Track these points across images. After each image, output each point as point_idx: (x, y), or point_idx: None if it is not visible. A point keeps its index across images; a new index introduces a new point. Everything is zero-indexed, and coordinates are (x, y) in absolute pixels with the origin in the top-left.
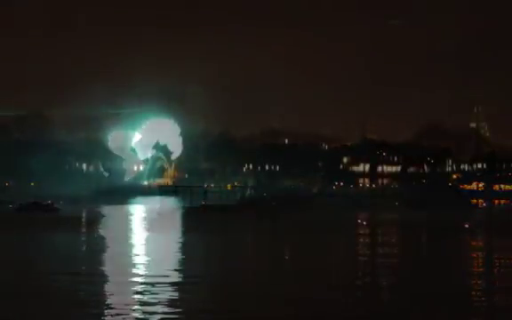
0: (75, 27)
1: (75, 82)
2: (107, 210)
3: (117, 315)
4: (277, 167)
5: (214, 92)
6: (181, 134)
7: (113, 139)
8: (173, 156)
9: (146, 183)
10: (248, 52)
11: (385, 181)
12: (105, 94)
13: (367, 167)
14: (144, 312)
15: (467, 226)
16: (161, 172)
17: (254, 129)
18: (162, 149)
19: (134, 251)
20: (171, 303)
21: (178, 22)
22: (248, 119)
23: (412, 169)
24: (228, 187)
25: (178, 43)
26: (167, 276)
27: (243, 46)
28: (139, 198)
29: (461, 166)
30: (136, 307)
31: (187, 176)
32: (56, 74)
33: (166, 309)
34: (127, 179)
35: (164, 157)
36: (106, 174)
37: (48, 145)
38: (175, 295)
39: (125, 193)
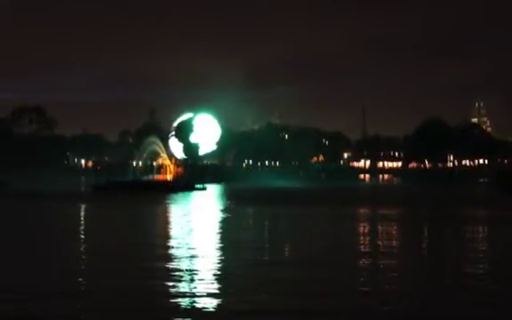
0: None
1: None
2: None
3: None
4: (277, 163)
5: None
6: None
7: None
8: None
9: (144, 179)
10: (249, 48)
11: (385, 177)
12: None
13: (368, 163)
14: None
15: None
16: (160, 167)
17: (255, 124)
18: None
19: None
20: None
21: (177, 20)
22: (249, 115)
23: (413, 164)
24: None
25: (176, 42)
26: None
27: (243, 43)
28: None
29: (463, 161)
30: None
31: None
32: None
33: None
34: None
35: (163, 151)
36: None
37: (47, 139)
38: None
39: (124, 189)
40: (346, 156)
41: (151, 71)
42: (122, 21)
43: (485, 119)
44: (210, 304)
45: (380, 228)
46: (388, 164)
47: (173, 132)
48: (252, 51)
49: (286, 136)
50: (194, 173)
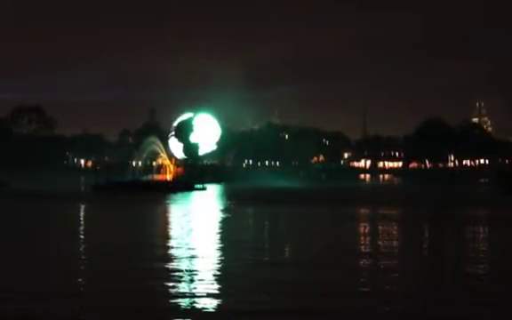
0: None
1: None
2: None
3: None
4: (277, 163)
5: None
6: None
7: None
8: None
9: (144, 179)
10: (249, 48)
11: (386, 177)
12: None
13: (368, 163)
14: None
15: None
16: (159, 167)
17: (255, 124)
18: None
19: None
20: None
21: (177, 20)
22: (249, 115)
23: (413, 164)
24: None
25: (176, 42)
26: None
27: (243, 43)
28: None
29: (464, 161)
30: None
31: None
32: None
33: None
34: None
35: (163, 151)
36: None
37: (46, 139)
38: None
39: (124, 189)
40: (346, 155)
41: (151, 71)
42: (122, 21)
43: (486, 119)
44: (210, 304)
45: (380, 228)
46: (389, 164)
47: (173, 132)
48: (251, 51)
49: (286, 136)
50: (194, 173)
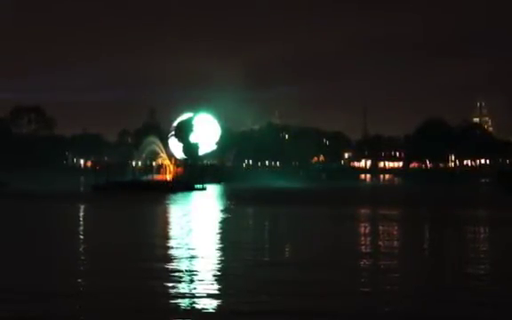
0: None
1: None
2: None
3: None
4: (278, 163)
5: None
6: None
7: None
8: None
9: (144, 179)
10: (249, 48)
11: (386, 177)
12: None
13: (368, 163)
14: None
15: None
16: (159, 167)
17: (255, 124)
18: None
19: None
20: None
21: (177, 20)
22: (249, 115)
23: (414, 164)
24: None
25: (176, 42)
26: None
27: (243, 43)
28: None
29: (464, 161)
30: None
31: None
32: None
33: None
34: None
35: (162, 151)
36: None
37: (46, 139)
38: None
39: (124, 189)
40: (346, 155)
41: (151, 71)
42: (122, 21)
43: (487, 119)
44: (210, 305)
45: (380, 228)
46: (389, 164)
47: (173, 132)
48: (252, 51)
49: (286, 136)
50: (193, 173)
